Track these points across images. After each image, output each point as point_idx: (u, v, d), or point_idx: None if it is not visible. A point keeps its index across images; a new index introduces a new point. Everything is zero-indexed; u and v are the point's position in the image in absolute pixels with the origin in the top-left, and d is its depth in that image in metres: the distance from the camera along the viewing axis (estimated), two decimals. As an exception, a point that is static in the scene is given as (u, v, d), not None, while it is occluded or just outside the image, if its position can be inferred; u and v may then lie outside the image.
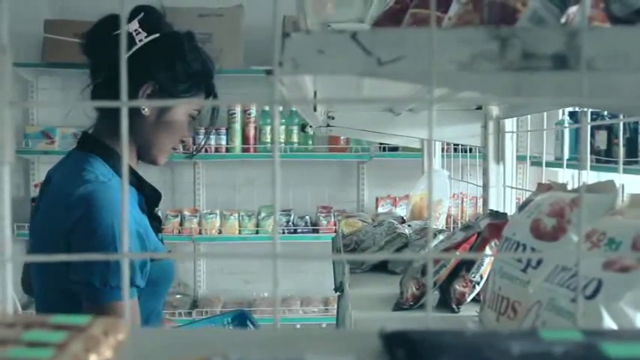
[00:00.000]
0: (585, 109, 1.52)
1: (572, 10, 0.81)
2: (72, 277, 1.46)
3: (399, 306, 1.64)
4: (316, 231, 4.69)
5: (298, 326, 4.52)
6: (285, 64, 0.67)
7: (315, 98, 1.41)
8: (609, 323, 0.90)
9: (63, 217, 1.49)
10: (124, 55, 0.55)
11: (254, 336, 0.64)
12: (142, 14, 1.59)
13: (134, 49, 1.56)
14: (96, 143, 1.63)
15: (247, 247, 4.71)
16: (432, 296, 1.61)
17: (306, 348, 0.58)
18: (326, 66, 0.69)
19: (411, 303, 1.62)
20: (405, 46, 0.67)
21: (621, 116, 1.60)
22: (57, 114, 4.67)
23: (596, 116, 3.20)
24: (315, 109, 1.73)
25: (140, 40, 1.57)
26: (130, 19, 1.55)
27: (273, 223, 0.61)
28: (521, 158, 2.32)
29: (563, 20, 0.80)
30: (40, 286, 1.61)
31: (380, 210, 4.58)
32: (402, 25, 1.07)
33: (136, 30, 1.56)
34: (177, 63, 1.63)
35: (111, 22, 1.56)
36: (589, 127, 2.33)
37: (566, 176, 2.73)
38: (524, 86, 0.74)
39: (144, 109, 1.60)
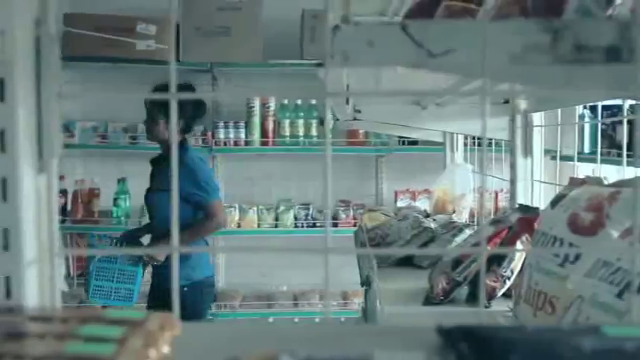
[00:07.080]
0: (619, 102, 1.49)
1: (618, 1, 0.80)
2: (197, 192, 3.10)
3: (429, 300, 1.63)
4: (335, 225, 4.66)
5: (317, 320, 4.51)
6: (335, 56, 0.67)
7: (348, 91, 1.41)
8: (654, 319, 0.88)
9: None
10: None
11: (309, 330, 0.63)
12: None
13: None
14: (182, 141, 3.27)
15: (266, 241, 4.71)
16: (464, 291, 1.61)
17: (365, 343, 0.57)
18: (376, 58, 0.68)
19: (442, 297, 1.61)
20: (456, 39, 0.66)
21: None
22: (77, 108, 4.68)
23: (617, 110, 3.15)
24: (347, 102, 1.72)
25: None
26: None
27: (325, 217, 0.60)
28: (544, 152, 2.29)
29: (609, 12, 0.79)
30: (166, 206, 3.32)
31: (399, 204, 4.55)
32: (435, 16, 1.06)
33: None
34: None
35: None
36: (625, 121, 2.30)
37: (585, 171, 2.69)
38: (575, 78, 0.73)
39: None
